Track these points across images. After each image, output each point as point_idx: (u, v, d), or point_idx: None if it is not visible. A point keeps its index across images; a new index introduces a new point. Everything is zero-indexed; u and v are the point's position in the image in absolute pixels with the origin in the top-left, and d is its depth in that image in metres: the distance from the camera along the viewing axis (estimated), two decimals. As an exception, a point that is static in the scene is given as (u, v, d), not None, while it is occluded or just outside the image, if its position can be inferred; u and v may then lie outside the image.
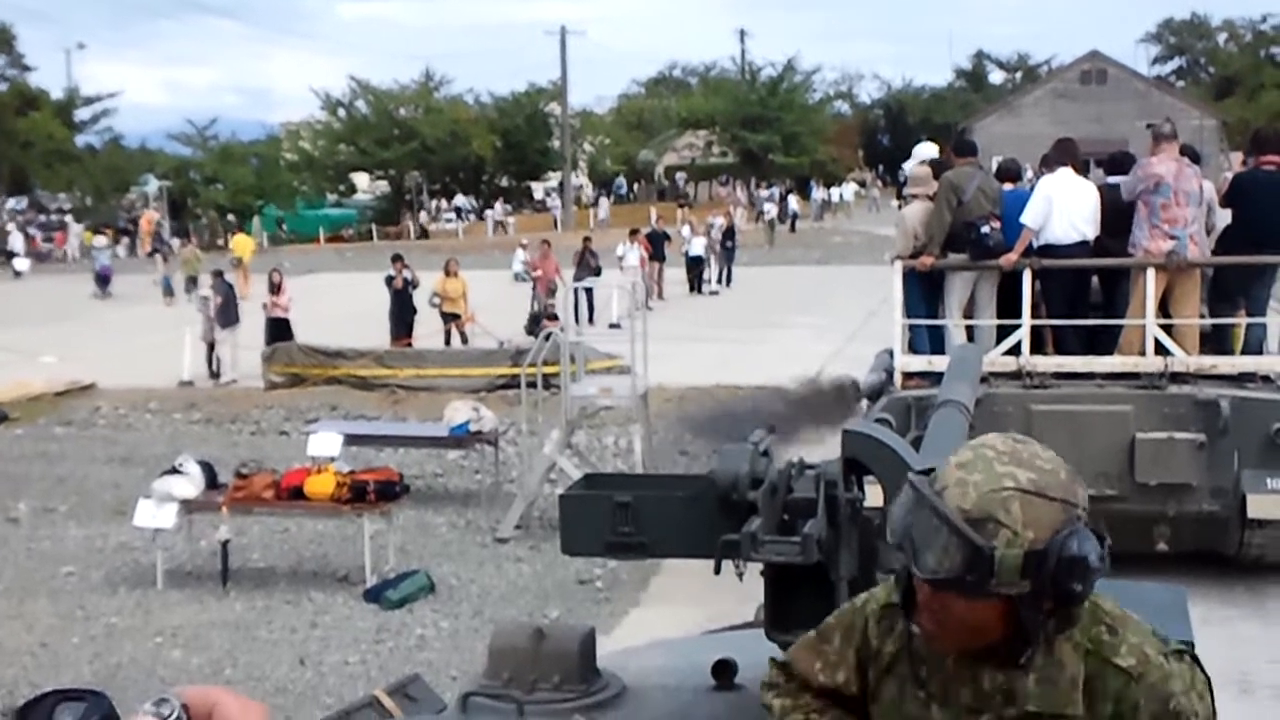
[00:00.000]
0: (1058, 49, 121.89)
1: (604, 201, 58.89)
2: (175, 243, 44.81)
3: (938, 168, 10.47)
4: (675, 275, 30.19)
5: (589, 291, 22.89)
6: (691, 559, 3.00)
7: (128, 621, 9.31)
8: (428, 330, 21.36)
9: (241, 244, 36.36)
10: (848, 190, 63.42)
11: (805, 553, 2.66)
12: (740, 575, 2.82)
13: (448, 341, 21.46)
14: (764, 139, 63.50)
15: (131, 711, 0.61)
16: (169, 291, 32.47)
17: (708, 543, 2.79)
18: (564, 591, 9.58)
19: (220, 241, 44.10)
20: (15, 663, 8.35)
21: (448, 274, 22.01)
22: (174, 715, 0.58)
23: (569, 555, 3.28)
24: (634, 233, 29.17)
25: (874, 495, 2.85)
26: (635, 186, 69.98)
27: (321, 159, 59.99)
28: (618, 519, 2.99)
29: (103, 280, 34.98)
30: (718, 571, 2.79)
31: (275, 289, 20.68)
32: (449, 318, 21.75)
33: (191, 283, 32.31)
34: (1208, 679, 2.03)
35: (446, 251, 29.84)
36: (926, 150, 11.48)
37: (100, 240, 39.79)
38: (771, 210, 47.80)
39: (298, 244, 50.83)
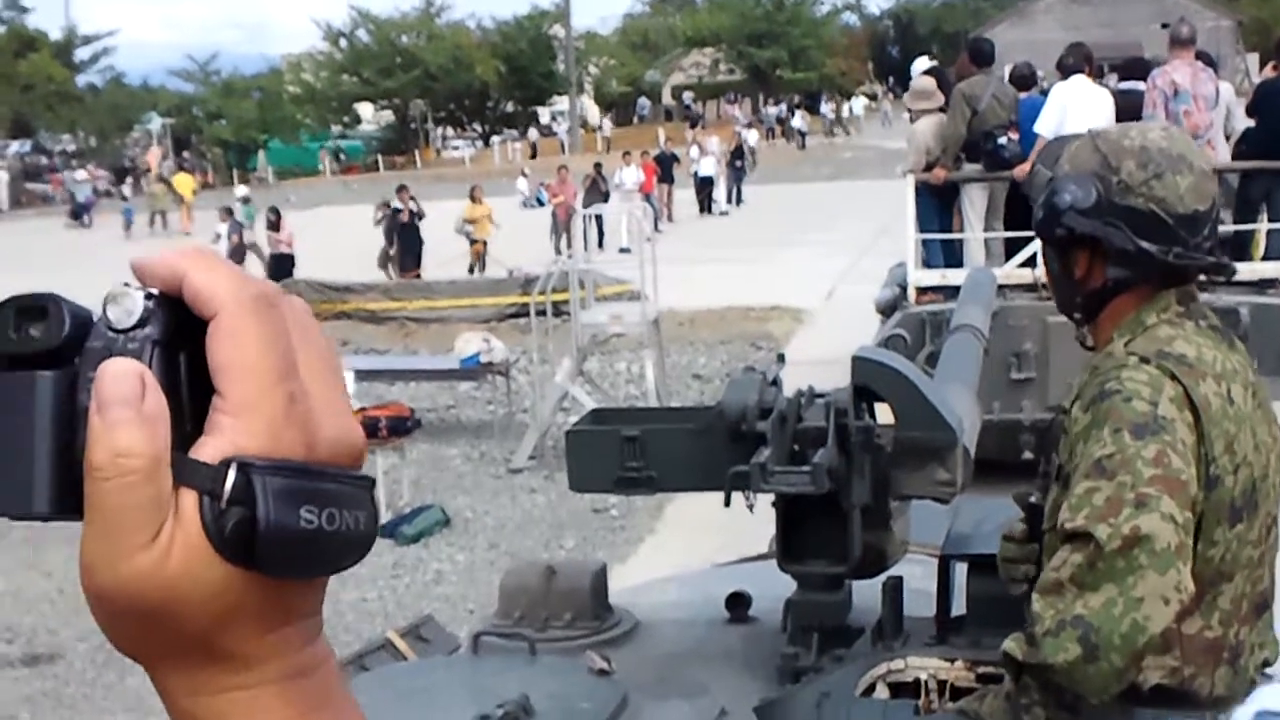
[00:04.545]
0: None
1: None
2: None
3: (939, 77, 10.28)
4: (685, 196, 29.93)
5: (598, 218, 22.71)
6: (702, 492, 2.93)
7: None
8: (438, 260, 21.23)
9: (182, 182, 36.15)
10: (857, 104, 62.66)
11: (816, 482, 2.59)
12: (750, 507, 2.76)
13: (472, 269, 21.48)
14: (771, 55, 62.71)
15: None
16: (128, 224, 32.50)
17: (717, 475, 2.72)
18: (579, 521, 9.56)
19: (210, 181, 43.99)
20: (34, 610, 8.36)
21: (473, 200, 21.94)
22: (139, 310, 0.54)
23: (578, 492, 3.22)
24: (627, 154, 28.84)
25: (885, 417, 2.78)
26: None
27: (324, 90, 59.49)
28: (626, 454, 2.92)
29: (80, 209, 35.22)
30: (728, 504, 2.73)
31: (274, 226, 20.58)
32: (476, 243, 21.82)
33: (161, 218, 32.45)
34: (1182, 389, 2.20)
35: (453, 180, 29.62)
36: (923, 66, 11.24)
37: (80, 175, 39.99)
38: (750, 135, 44.26)
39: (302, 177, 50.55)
